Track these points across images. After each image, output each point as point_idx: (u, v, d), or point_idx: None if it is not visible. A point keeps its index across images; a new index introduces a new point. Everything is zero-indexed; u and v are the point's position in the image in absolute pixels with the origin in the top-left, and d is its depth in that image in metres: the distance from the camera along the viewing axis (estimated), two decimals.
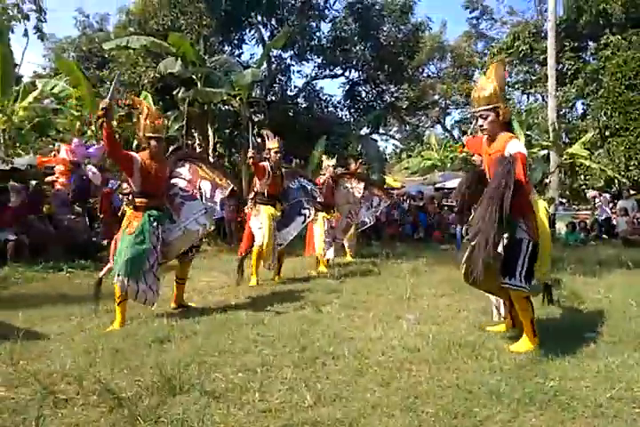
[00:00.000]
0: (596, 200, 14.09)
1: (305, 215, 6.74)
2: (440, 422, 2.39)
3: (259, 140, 9.25)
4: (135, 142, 12.26)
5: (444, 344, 3.52)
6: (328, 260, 7.68)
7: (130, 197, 4.57)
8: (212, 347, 3.53)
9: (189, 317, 4.42)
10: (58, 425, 2.41)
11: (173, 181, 4.79)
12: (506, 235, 3.49)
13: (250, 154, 6.10)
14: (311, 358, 3.30)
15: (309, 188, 6.98)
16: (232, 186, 5.03)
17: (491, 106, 3.55)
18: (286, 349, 3.51)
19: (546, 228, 3.69)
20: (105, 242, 9.37)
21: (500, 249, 3.39)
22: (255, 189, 6.39)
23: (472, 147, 4.38)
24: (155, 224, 4.40)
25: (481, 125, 3.63)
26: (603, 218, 13.58)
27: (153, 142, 4.46)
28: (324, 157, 8.54)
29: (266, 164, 6.28)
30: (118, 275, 4.22)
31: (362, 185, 8.49)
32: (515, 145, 3.48)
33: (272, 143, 6.38)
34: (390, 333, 3.90)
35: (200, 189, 4.84)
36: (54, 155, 10.06)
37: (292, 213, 6.66)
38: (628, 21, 17.76)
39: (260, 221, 6.20)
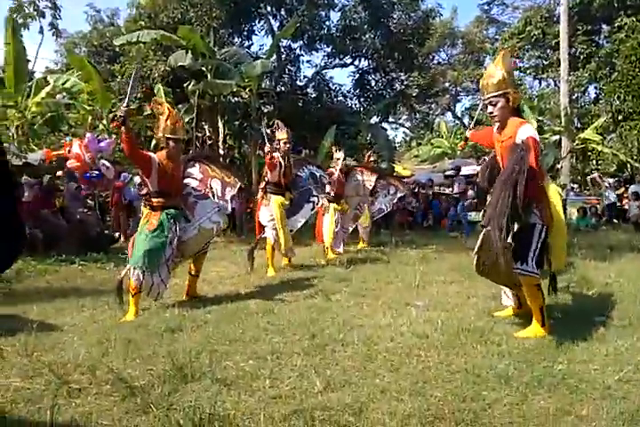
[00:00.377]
0: (604, 183, 13.93)
1: (314, 203, 6.84)
2: (448, 406, 2.41)
3: (268, 131, 9.27)
4: (143, 136, 12.40)
5: (453, 330, 3.53)
6: (339, 253, 7.74)
7: (147, 198, 4.65)
8: (223, 336, 3.58)
9: (200, 307, 4.48)
10: (72, 414, 2.45)
11: (185, 181, 4.88)
12: (516, 223, 3.45)
13: (267, 149, 6.26)
14: (321, 346, 3.32)
15: (319, 175, 7.05)
16: (239, 184, 5.07)
17: (500, 92, 3.56)
18: (296, 336, 3.54)
19: (560, 214, 3.64)
20: (117, 235, 9.51)
21: (509, 238, 3.38)
22: (266, 179, 6.48)
23: (477, 139, 4.40)
24: (172, 221, 4.51)
25: (491, 112, 3.62)
26: (607, 203, 13.45)
27: (172, 143, 4.59)
28: (333, 149, 8.53)
29: (276, 155, 6.34)
30: (135, 268, 4.34)
31: (374, 178, 8.47)
32: (526, 130, 3.46)
33: (281, 134, 6.46)
34: (399, 320, 3.92)
35: (211, 187, 4.92)
36: (68, 150, 10.15)
37: (301, 201, 6.74)
38: None
39: (270, 212, 6.30)
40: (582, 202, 13.99)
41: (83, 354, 3.19)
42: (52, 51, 37.25)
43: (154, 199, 4.56)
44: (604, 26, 19.96)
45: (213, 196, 4.89)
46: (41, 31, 11.32)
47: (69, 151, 9.54)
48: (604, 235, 10.16)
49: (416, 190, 14.27)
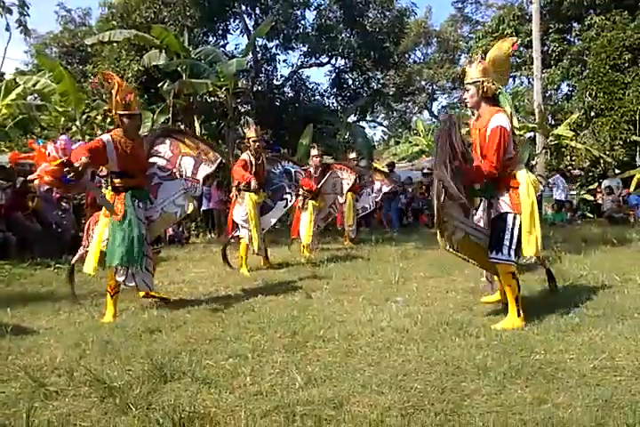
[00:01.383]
0: (550, 180, 14.18)
1: (287, 200, 6.68)
2: (428, 398, 2.43)
3: (246, 131, 9.23)
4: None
5: (433, 324, 3.57)
6: (313, 248, 7.73)
7: (109, 179, 4.36)
8: (203, 335, 3.56)
9: (180, 307, 4.44)
10: (49, 417, 2.41)
11: (152, 159, 4.57)
12: (481, 208, 3.73)
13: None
14: (302, 342, 3.33)
15: (294, 171, 6.91)
16: (220, 159, 4.77)
17: (473, 80, 3.75)
18: (277, 334, 3.54)
19: (532, 203, 3.66)
20: None
21: (482, 223, 3.48)
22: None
23: None
24: (139, 204, 4.26)
25: (465, 98, 3.86)
26: (559, 198, 13.68)
27: (125, 120, 4.25)
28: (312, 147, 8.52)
29: (246, 156, 6.28)
30: (118, 266, 4.10)
31: (354, 176, 8.44)
32: (497, 119, 3.61)
33: (250, 132, 6.42)
34: (380, 315, 3.94)
35: (180, 166, 4.60)
36: (48, 153, 9.93)
37: (275, 199, 6.64)
38: (611, 2, 17.70)
39: (245, 211, 6.25)
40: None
41: (59, 356, 3.15)
42: (22, 52, 36.61)
43: (116, 180, 4.27)
44: (574, 24, 20.26)
45: (181, 176, 4.56)
46: (7, 29, 11.00)
47: (49, 154, 9.33)
48: (579, 229, 10.35)
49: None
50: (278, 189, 6.68)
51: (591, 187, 15.21)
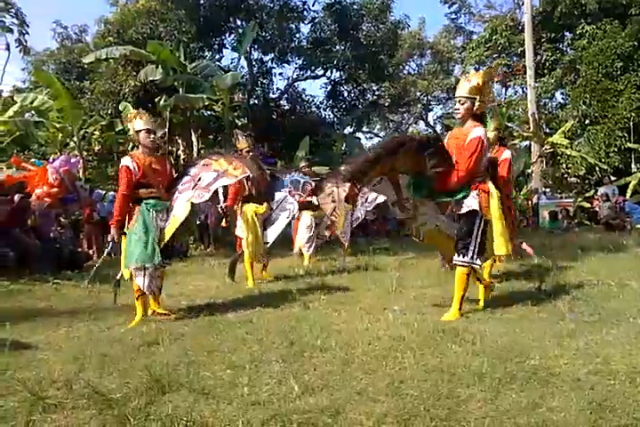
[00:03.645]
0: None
1: (289, 210, 6.64)
2: (424, 404, 2.45)
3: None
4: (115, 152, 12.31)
5: (429, 331, 3.58)
6: (310, 255, 7.74)
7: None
8: (201, 347, 3.56)
9: (177, 320, 4.45)
10: None
11: (180, 178, 4.77)
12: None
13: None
14: (299, 352, 3.34)
15: (302, 181, 6.98)
16: (248, 173, 4.75)
17: (470, 95, 4.05)
18: (274, 345, 3.55)
19: (499, 206, 4.11)
20: (90, 252, 9.39)
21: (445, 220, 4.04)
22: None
23: None
24: (151, 211, 4.45)
25: (457, 109, 4.12)
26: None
27: (142, 135, 4.54)
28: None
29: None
30: (135, 266, 4.32)
31: (348, 184, 8.48)
32: (478, 131, 3.98)
33: (242, 144, 6.36)
34: (377, 324, 3.96)
35: (199, 180, 4.68)
36: (31, 173, 9.99)
37: (278, 210, 6.60)
38: (602, 11, 17.96)
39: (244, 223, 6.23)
40: (554, 205, 14.30)
41: (58, 370, 3.15)
42: (19, 69, 36.85)
43: (135, 191, 4.51)
44: (566, 33, 20.51)
45: (194, 186, 4.66)
46: (7, 48, 11.15)
47: (47, 179, 9.40)
48: (576, 236, 10.39)
49: None
50: (282, 201, 6.65)
51: (587, 194, 15.30)
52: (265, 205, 6.36)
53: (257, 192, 6.31)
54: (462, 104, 4.07)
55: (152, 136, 4.61)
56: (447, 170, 3.90)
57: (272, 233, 6.57)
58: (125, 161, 4.51)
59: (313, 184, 7.28)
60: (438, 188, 3.95)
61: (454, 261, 4.02)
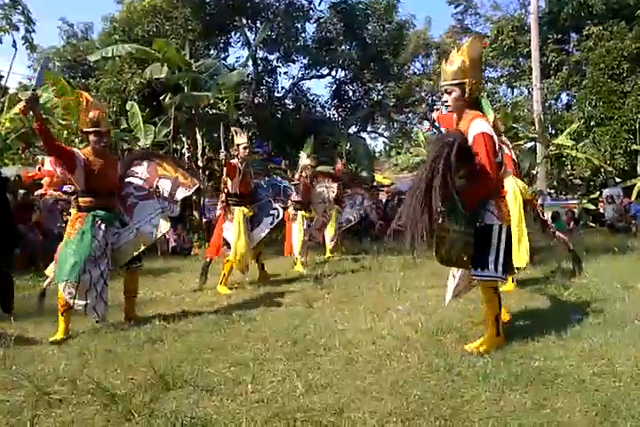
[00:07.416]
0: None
1: (274, 216, 6.43)
2: (428, 404, 2.45)
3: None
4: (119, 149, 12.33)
5: (433, 331, 3.59)
6: (303, 261, 7.64)
7: (75, 198, 4.28)
8: (205, 345, 3.58)
9: (182, 317, 4.46)
10: (52, 424, 2.45)
11: (128, 179, 4.52)
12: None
13: (222, 156, 6.04)
14: (303, 351, 3.35)
15: (282, 186, 6.82)
16: (197, 184, 4.69)
17: (456, 81, 3.33)
18: (278, 343, 3.56)
19: (520, 207, 3.31)
20: None
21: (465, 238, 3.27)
22: (226, 190, 6.22)
23: (444, 123, 4.04)
24: (102, 226, 4.12)
25: (445, 101, 3.44)
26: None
27: (92, 137, 4.18)
28: (304, 156, 8.32)
29: (235, 161, 6.14)
30: (64, 280, 3.93)
31: (335, 185, 8.51)
32: (477, 126, 3.25)
33: (240, 139, 6.25)
34: (380, 323, 3.96)
35: (157, 188, 4.54)
36: (39, 168, 10.09)
37: (261, 215, 6.39)
38: (609, 12, 17.87)
39: (233, 227, 6.04)
40: (559, 206, 14.26)
41: (63, 366, 3.18)
42: (25, 66, 36.92)
43: (80, 199, 4.17)
44: (572, 34, 20.42)
45: (159, 196, 4.49)
46: (14, 45, 11.14)
47: (39, 169, 9.49)
48: (580, 237, 10.36)
49: (396, 198, 14.42)
50: (265, 205, 6.46)
51: (592, 196, 15.24)
52: (249, 208, 6.20)
53: (245, 193, 6.19)
54: (450, 94, 3.37)
55: (103, 139, 4.24)
56: (474, 180, 3.22)
57: (255, 236, 6.31)
58: (75, 149, 4.22)
59: (293, 189, 7.16)
60: (470, 206, 3.23)
61: (472, 276, 3.41)
